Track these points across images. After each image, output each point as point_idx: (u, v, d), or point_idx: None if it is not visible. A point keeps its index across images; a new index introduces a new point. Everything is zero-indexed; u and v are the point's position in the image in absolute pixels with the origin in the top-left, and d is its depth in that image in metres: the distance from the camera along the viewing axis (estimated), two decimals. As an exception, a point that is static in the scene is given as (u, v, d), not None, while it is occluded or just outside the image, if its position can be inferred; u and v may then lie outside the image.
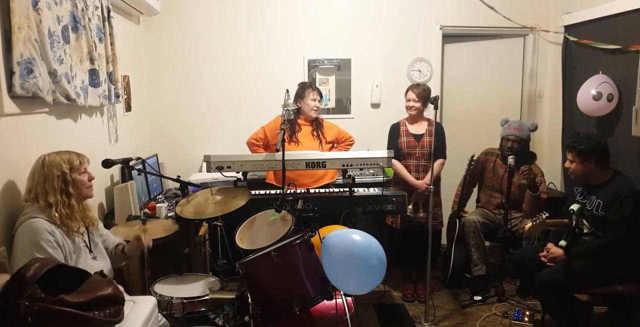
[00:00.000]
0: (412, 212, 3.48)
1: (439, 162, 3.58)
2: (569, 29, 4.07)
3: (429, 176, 3.26)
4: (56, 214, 1.90)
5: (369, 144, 3.85)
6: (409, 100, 3.56)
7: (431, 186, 3.11)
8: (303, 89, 3.48)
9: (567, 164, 2.94)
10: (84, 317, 1.40)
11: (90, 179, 2.08)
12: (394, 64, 4.40)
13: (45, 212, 1.90)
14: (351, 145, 3.61)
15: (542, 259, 2.91)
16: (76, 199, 2.00)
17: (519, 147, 3.55)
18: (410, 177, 3.53)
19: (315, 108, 3.46)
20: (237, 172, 2.96)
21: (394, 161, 3.54)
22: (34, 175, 1.95)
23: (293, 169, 2.95)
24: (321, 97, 3.53)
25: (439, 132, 3.57)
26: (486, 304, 3.54)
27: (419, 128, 3.62)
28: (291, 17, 4.25)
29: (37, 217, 1.87)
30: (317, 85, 4.14)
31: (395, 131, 3.65)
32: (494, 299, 3.58)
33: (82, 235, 2.05)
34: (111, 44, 2.91)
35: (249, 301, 2.21)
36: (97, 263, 2.08)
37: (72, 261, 1.94)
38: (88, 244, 2.08)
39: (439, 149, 3.57)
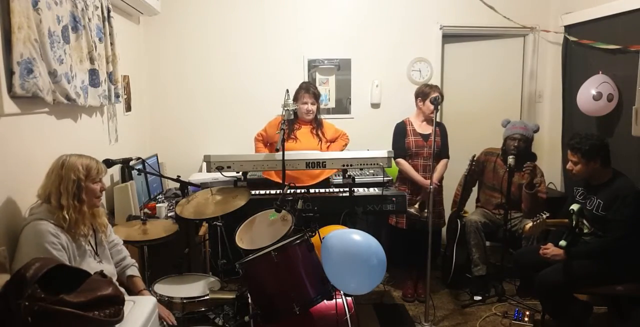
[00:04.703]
0: (418, 211, 3.47)
1: (443, 162, 3.59)
2: (569, 29, 4.07)
3: (436, 175, 3.26)
4: (66, 217, 1.89)
5: (369, 144, 3.85)
6: (432, 103, 3.36)
7: (431, 186, 3.11)
8: (298, 91, 3.46)
9: (570, 165, 2.92)
10: (84, 317, 1.40)
11: (102, 189, 2.06)
12: (394, 64, 4.40)
13: (54, 214, 1.89)
14: (346, 140, 3.57)
15: (542, 252, 2.91)
16: (86, 206, 1.98)
17: (524, 147, 3.55)
18: (418, 177, 3.53)
19: (307, 111, 3.43)
20: (237, 172, 2.96)
21: (402, 161, 3.55)
22: (51, 174, 1.95)
23: (293, 169, 2.95)
24: (317, 98, 3.47)
25: (442, 132, 3.56)
26: (486, 304, 3.54)
27: (426, 128, 3.62)
28: (291, 17, 4.25)
29: (42, 219, 1.87)
30: (317, 85, 4.15)
31: (401, 130, 3.63)
32: (494, 299, 3.58)
33: (89, 239, 2.05)
34: (111, 44, 2.91)
35: (249, 301, 2.22)
36: (102, 266, 2.06)
37: (75, 263, 1.93)
38: (94, 247, 2.07)
39: (442, 149, 3.58)
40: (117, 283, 1.87)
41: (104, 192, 2.08)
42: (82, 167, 1.96)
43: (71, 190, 1.92)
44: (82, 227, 1.96)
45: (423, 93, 3.58)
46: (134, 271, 2.28)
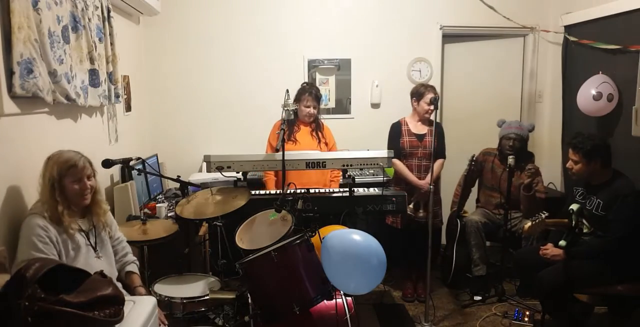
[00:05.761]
0: (412, 211, 3.48)
1: (439, 162, 3.58)
2: (569, 29, 4.07)
3: (430, 176, 3.25)
4: (45, 214, 1.89)
5: (369, 144, 3.85)
6: (431, 104, 3.38)
7: (431, 186, 3.11)
8: (301, 92, 3.44)
9: (570, 164, 2.92)
10: (84, 317, 1.40)
11: (84, 188, 1.96)
12: (394, 64, 4.40)
13: (44, 208, 1.90)
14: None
15: (541, 252, 2.91)
16: (63, 205, 1.91)
17: (520, 146, 3.55)
18: (412, 177, 3.53)
19: (308, 115, 3.42)
20: (237, 172, 2.96)
21: (396, 161, 3.54)
22: (41, 170, 1.95)
23: (293, 169, 2.95)
24: (318, 101, 3.45)
25: (439, 132, 3.56)
26: (486, 304, 3.54)
27: (421, 128, 3.61)
28: (291, 17, 4.25)
29: (35, 213, 1.89)
30: (317, 85, 4.14)
31: (396, 130, 3.62)
32: (494, 299, 3.58)
33: (87, 233, 2.05)
34: (111, 44, 2.91)
35: (249, 301, 2.21)
36: (101, 262, 2.07)
37: (69, 258, 1.93)
38: (93, 243, 2.06)
39: (439, 149, 3.57)
40: (117, 283, 1.87)
41: (87, 191, 1.99)
42: (57, 165, 1.91)
43: (47, 187, 1.90)
44: (67, 223, 1.92)
45: (418, 93, 3.56)
46: (133, 267, 2.30)
